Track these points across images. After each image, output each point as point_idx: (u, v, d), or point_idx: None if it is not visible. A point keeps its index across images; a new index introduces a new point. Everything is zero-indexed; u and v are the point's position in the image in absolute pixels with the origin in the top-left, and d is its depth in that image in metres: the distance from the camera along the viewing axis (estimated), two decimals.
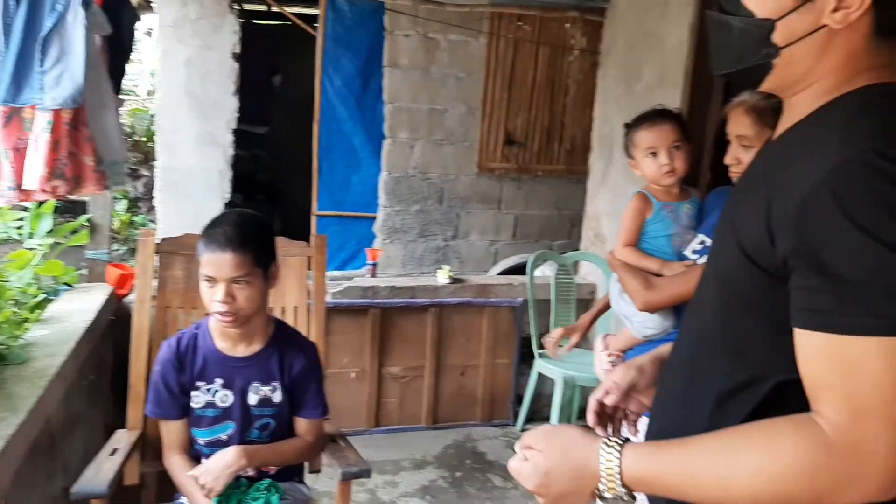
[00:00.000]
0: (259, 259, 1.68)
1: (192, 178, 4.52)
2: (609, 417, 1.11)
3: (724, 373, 0.91)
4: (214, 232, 1.65)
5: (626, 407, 1.12)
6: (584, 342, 3.71)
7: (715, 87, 3.15)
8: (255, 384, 1.79)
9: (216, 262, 1.62)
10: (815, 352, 0.77)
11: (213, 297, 1.65)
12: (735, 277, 0.88)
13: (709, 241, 1.77)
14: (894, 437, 0.71)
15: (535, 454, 0.89)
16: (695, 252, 1.81)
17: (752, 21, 0.86)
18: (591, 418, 1.09)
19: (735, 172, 1.69)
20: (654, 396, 1.09)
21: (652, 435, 1.05)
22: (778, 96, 0.94)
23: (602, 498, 0.83)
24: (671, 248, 1.91)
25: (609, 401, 1.10)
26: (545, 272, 3.79)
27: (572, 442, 0.88)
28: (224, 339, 1.79)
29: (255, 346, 1.80)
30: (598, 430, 1.08)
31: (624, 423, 1.14)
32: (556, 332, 2.40)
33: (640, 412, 1.13)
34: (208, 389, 1.78)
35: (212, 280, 1.64)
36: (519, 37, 4.60)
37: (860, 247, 0.71)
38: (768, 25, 0.84)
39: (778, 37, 0.85)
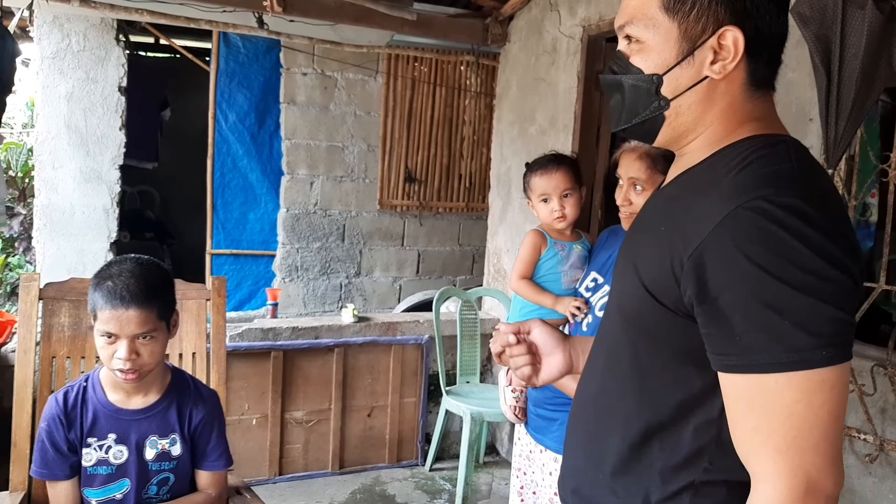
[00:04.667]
0: (163, 312, 1.60)
1: (75, 217, 4.26)
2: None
3: (633, 402, 0.96)
4: (114, 285, 1.53)
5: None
6: (490, 377, 3.80)
7: (603, 132, 3.32)
8: (153, 437, 1.69)
9: (119, 319, 1.52)
10: (730, 390, 0.83)
11: (114, 354, 1.54)
12: (638, 313, 0.94)
13: (601, 279, 1.83)
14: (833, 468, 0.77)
15: None
16: (588, 290, 1.87)
17: (641, 77, 0.92)
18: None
19: (625, 213, 1.76)
20: (567, 431, 1.12)
21: (567, 469, 1.08)
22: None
23: None
24: (562, 285, 1.98)
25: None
26: (449, 308, 3.82)
27: None
28: (117, 392, 1.68)
29: (152, 398, 1.70)
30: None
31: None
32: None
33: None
34: (100, 446, 1.66)
35: (112, 336, 1.54)
36: (416, 77, 4.69)
37: (761, 287, 0.76)
38: (657, 80, 0.91)
39: (666, 90, 0.92)
